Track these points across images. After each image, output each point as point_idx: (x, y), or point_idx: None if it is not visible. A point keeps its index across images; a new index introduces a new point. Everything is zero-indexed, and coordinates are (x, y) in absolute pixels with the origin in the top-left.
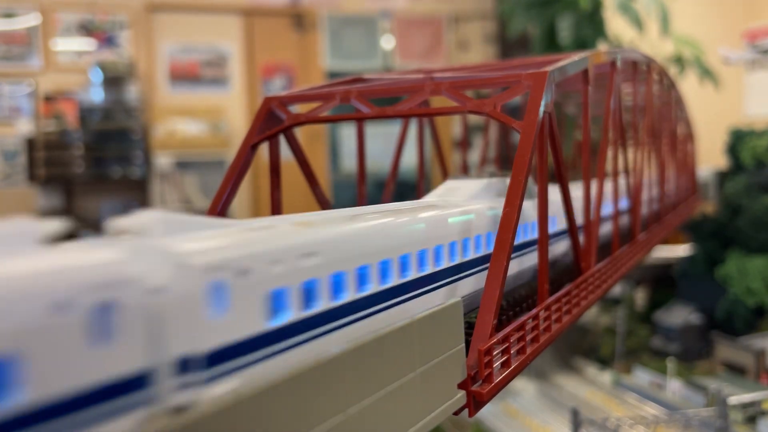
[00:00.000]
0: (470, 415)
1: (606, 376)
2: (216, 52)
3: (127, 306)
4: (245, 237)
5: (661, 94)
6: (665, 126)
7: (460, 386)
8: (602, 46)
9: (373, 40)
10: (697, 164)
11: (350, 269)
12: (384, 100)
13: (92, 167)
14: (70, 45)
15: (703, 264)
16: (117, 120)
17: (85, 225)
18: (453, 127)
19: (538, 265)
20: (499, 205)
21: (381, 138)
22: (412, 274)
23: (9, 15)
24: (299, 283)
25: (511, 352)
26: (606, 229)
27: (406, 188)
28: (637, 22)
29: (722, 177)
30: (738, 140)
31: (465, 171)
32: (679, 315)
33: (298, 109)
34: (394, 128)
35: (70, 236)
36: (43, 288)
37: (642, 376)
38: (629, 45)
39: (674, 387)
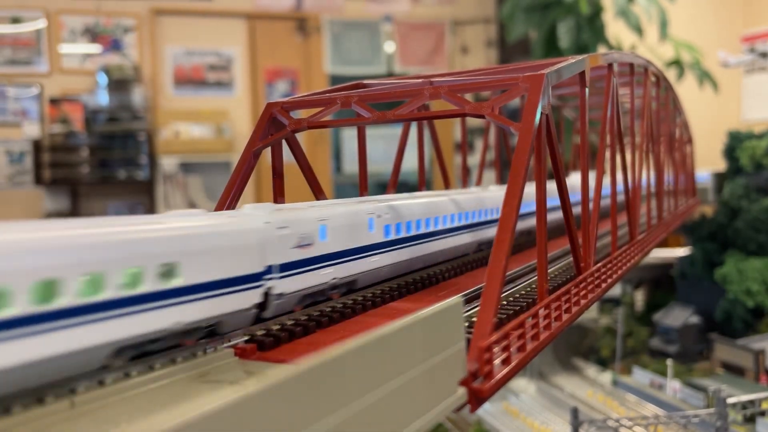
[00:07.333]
0: (472, 410)
1: (606, 377)
2: (220, 56)
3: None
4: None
5: (659, 96)
6: (663, 128)
7: (462, 383)
8: (602, 50)
9: (376, 44)
10: (696, 167)
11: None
12: (385, 104)
13: (98, 169)
14: (76, 49)
15: (702, 265)
16: (122, 123)
17: None
18: (454, 129)
19: (537, 261)
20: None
21: (382, 140)
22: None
23: (16, 19)
24: None
25: (511, 349)
26: (603, 230)
27: (407, 190)
28: (637, 27)
29: (720, 179)
30: (736, 143)
31: (465, 173)
32: (679, 316)
33: (300, 114)
34: (395, 130)
35: None
36: None
37: (641, 377)
38: (630, 49)
39: (673, 387)
